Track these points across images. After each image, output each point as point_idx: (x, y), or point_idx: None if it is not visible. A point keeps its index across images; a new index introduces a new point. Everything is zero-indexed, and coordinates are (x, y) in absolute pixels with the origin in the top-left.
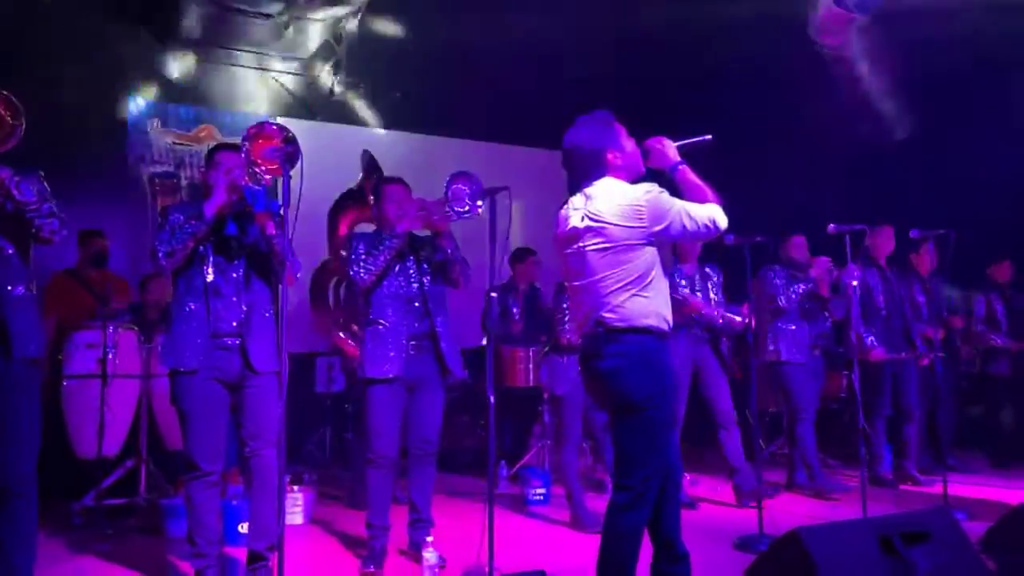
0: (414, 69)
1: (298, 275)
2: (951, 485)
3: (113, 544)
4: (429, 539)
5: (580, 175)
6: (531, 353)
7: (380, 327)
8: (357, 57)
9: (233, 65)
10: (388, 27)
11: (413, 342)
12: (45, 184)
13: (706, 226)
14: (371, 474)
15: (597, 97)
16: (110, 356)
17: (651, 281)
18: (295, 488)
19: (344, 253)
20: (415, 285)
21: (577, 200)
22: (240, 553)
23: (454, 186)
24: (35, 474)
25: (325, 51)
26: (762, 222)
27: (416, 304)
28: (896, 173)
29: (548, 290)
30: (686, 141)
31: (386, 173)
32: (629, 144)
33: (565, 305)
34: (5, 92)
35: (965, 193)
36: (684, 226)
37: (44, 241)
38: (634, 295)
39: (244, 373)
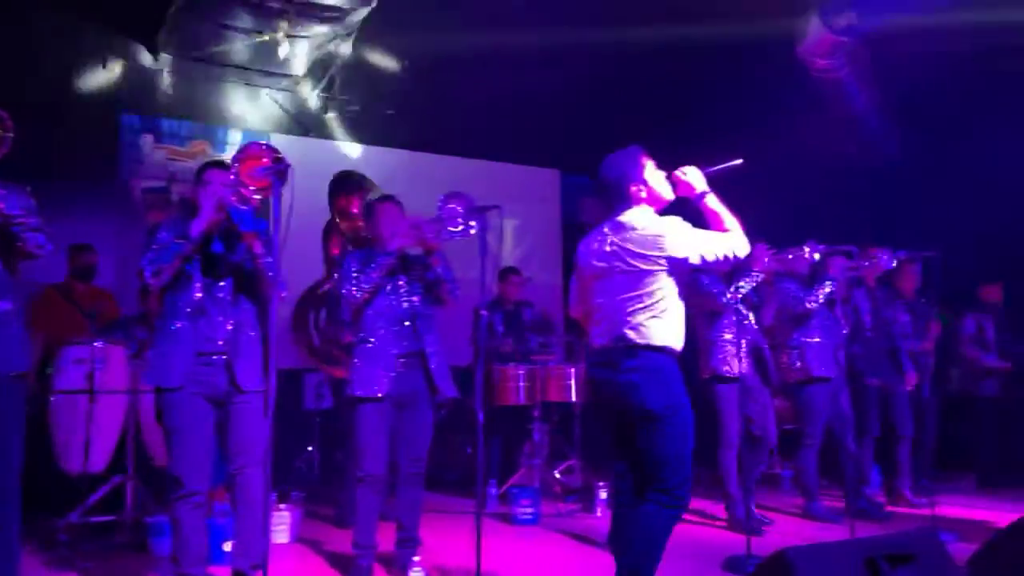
0: (406, 86)
1: (284, 295)
2: (941, 507)
3: (97, 562)
4: (416, 559)
5: (610, 205)
6: (521, 371)
7: (369, 345)
8: (350, 74)
9: (227, 81)
10: (381, 45)
11: (402, 360)
12: (33, 198)
13: (725, 256)
14: (359, 492)
15: (588, 116)
16: (97, 372)
17: (668, 306)
18: (281, 506)
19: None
20: (405, 304)
21: (606, 227)
22: (224, 572)
23: (448, 206)
24: (19, 489)
25: (318, 68)
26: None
27: (406, 323)
28: (883, 194)
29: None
30: (716, 168)
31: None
32: (654, 177)
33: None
34: None
35: (952, 213)
36: (703, 257)
37: (29, 255)
38: (652, 316)
39: (230, 390)
